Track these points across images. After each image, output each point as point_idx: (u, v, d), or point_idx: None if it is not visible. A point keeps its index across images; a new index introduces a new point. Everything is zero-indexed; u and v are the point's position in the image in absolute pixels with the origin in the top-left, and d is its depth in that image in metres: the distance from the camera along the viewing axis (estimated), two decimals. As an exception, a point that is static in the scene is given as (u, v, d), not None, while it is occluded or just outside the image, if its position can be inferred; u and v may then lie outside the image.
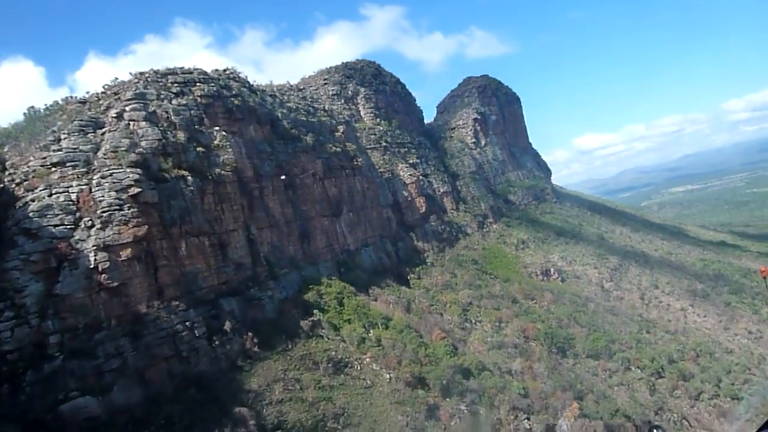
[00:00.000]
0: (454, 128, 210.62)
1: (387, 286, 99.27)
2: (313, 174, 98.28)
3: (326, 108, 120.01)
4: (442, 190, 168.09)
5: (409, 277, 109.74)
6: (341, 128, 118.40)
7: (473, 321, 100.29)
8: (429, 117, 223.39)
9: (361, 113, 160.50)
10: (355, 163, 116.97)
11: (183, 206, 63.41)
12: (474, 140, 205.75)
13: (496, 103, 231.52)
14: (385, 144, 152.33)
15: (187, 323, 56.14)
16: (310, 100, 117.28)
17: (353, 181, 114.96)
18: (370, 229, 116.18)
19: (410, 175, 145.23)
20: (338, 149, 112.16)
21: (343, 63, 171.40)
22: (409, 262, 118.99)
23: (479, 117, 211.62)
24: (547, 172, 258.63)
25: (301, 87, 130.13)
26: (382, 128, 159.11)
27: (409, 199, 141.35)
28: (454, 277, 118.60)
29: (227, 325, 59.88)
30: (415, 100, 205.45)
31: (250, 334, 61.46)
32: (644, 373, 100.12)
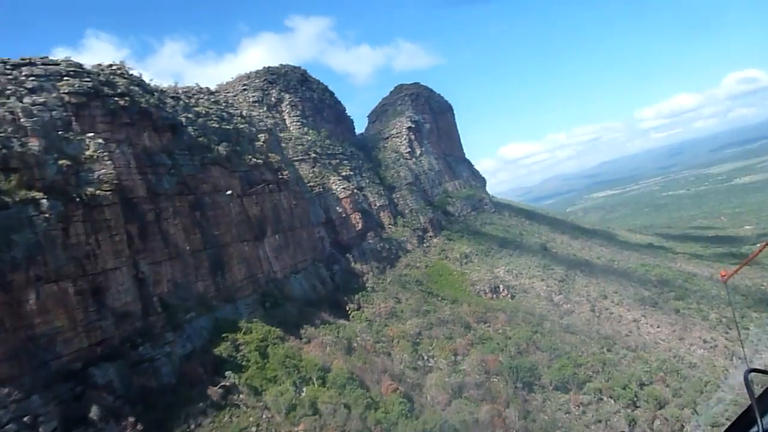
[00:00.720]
0: (388, 138, 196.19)
1: (323, 323, 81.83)
2: (228, 191, 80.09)
3: (245, 114, 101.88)
4: (378, 204, 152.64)
5: (348, 307, 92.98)
6: (263, 137, 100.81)
7: (426, 357, 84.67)
8: (360, 129, 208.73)
9: (287, 122, 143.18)
10: (281, 176, 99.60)
11: (32, 241, 44.24)
12: (409, 150, 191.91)
13: (429, 112, 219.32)
14: (314, 155, 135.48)
15: (25, 418, 37.06)
16: (224, 105, 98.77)
17: (279, 197, 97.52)
18: (301, 252, 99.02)
19: (344, 188, 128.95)
20: (260, 161, 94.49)
21: (265, 68, 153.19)
22: (347, 287, 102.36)
23: (413, 125, 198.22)
24: (482, 181, 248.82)
25: (215, 91, 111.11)
26: (310, 138, 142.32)
27: (344, 215, 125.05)
28: (398, 303, 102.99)
29: (94, 412, 40.79)
30: (345, 109, 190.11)
31: (131, 419, 42.59)
32: (618, 404, 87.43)
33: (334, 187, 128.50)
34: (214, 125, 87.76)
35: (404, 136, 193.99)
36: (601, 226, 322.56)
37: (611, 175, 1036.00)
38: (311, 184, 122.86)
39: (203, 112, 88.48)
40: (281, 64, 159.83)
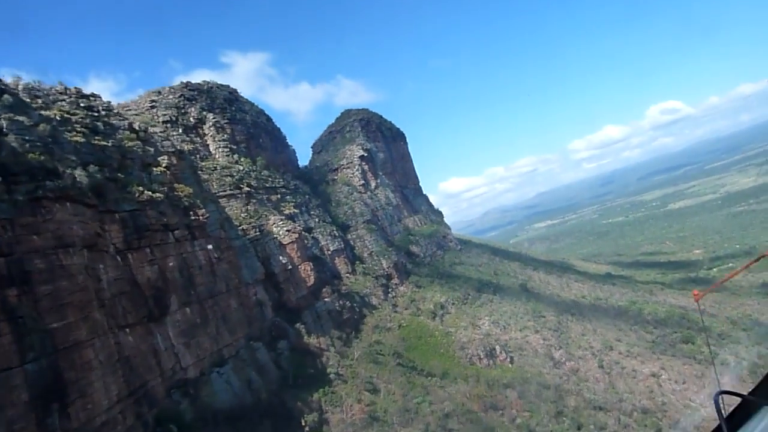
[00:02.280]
0: (337, 169, 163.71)
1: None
2: (87, 246, 44.94)
3: (138, 128, 67.10)
4: (332, 249, 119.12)
5: (304, 419, 57.66)
6: (165, 161, 66.17)
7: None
8: (303, 161, 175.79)
9: (210, 147, 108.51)
10: (195, 217, 64.98)
11: None
12: (363, 182, 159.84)
13: (381, 139, 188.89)
14: (248, 189, 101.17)
15: None
16: (104, 113, 63.72)
17: (190, 249, 62.72)
18: (227, 330, 63.90)
19: (289, 230, 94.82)
20: (158, 196, 59.80)
21: (182, 83, 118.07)
22: (300, 378, 67.31)
23: (366, 155, 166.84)
24: (440, 215, 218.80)
25: (93, 96, 74.01)
26: (242, 167, 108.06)
27: (290, 267, 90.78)
28: (376, 395, 68.90)
29: None
30: (285, 137, 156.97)
31: None
32: None
33: (275, 229, 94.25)
34: (74, 138, 52.75)
35: (356, 167, 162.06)
36: (553, 257, 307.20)
37: (549, 206, 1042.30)
38: (244, 226, 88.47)
39: (57, 117, 53.37)
40: (204, 81, 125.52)
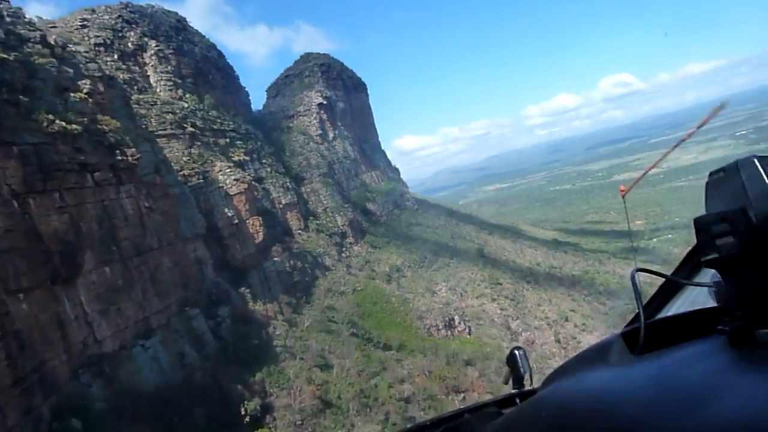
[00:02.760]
0: (293, 116, 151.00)
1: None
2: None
3: (56, 42, 54.17)
4: (284, 202, 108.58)
5: (244, 405, 48.23)
6: (87, 86, 53.68)
7: None
8: (257, 106, 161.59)
9: (151, 79, 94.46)
10: (122, 158, 53.34)
11: None
12: (320, 132, 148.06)
13: (342, 88, 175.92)
14: (192, 129, 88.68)
15: None
16: (8, 19, 50.51)
17: (115, 196, 51.45)
18: (157, 294, 53.57)
19: (237, 180, 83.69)
20: (75, 128, 47.91)
21: (121, 2, 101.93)
22: (241, 352, 57.76)
23: (325, 103, 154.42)
24: (397, 172, 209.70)
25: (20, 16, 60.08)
26: (187, 105, 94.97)
27: (236, 221, 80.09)
28: (327, 372, 60.38)
29: None
30: (238, 77, 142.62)
31: None
32: None
33: (221, 177, 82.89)
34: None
35: (314, 115, 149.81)
36: (503, 221, 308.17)
37: (500, 169, 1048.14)
38: (185, 172, 76.80)
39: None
40: (148, 4, 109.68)
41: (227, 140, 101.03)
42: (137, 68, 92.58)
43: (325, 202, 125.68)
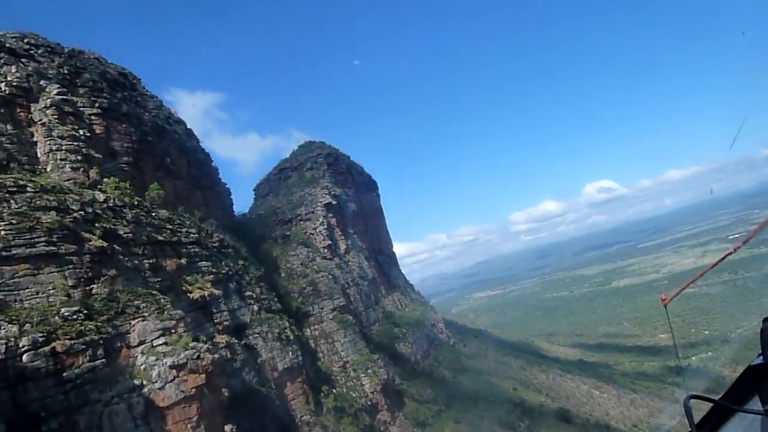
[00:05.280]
0: (291, 221, 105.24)
1: None
2: None
3: None
4: (281, 367, 59.50)
5: None
6: None
7: None
8: (241, 208, 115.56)
9: (39, 148, 48.30)
10: None
11: None
12: (329, 243, 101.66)
13: (352, 185, 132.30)
14: (101, 245, 41.42)
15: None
16: None
17: None
18: None
19: (184, 362, 35.11)
20: None
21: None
22: None
23: (334, 203, 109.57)
24: (412, 287, 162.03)
25: None
26: (104, 198, 48.08)
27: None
28: None
29: None
30: (216, 168, 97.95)
31: None
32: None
33: (143, 356, 34.66)
34: None
35: (320, 219, 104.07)
36: (511, 335, 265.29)
37: (488, 275, 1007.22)
38: (59, 348, 28.62)
39: None
40: (72, 48, 65.83)
41: (183, 261, 53.53)
42: (15, 129, 46.69)
43: (343, 353, 76.72)
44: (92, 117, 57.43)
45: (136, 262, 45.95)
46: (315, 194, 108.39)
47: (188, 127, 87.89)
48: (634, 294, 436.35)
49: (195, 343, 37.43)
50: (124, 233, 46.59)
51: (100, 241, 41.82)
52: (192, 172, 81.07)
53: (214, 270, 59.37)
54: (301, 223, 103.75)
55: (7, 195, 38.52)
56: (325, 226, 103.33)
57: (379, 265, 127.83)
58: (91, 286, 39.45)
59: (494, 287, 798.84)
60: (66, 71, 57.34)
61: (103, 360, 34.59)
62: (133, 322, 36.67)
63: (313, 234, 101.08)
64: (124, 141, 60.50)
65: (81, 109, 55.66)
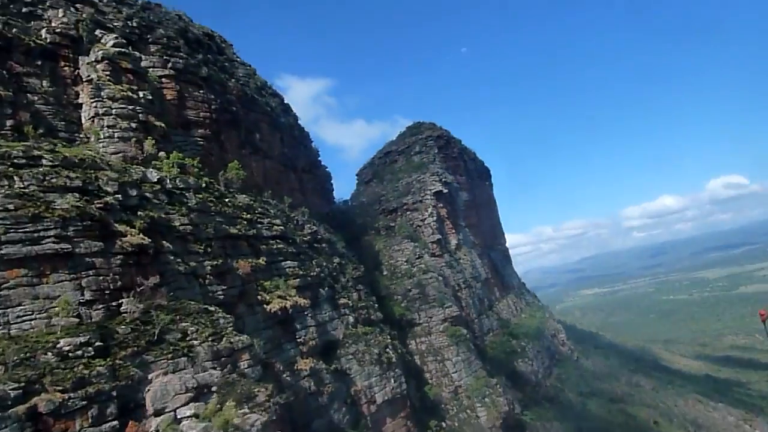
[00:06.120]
0: (396, 210, 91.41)
1: None
2: None
3: None
4: (380, 398, 45.10)
5: None
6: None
7: None
8: (342, 194, 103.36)
9: (84, 113, 37.31)
10: None
11: None
12: (438, 237, 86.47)
13: (464, 173, 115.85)
14: (141, 242, 29.25)
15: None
16: None
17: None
18: None
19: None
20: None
21: None
22: None
23: (445, 191, 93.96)
24: (529, 291, 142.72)
25: None
26: (159, 177, 36.23)
27: None
28: None
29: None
30: (317, 152, 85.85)
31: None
32: None
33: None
34: None
35: (429, 210, 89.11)
36: (625, 339, 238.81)
37: (595, 271, 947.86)
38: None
39: None
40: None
41: (261, 261, 40.95)
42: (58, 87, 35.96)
43: (455, 375, 61.64)
44: (162, 79, 46.17)
45: (194, 264, 33.45)
46: (424, 181, 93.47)
47: (275, 90, 75.80)
48: (765, 302, 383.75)
49: (242, 414, 23.65)
50: (181, 225, 34.28)
51: (140, 236, 29.52)
52: (286, 151, 69.10)
53: (301, 272, 46.31)
54: (408, 213, 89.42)
55: (11, 170, 27.03)
56: (435, 218, 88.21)
57: (492, 263, 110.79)
58: (120, 300, 27.20)
59: (602, 285, 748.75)
60: (135, 24, 46.36)
61: (115, 424, 22.05)
62: (150, 375, 23.56)
63: (420, 226, 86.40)
64: (201, 110, 48.86)
65: (147, 68, 44.37)
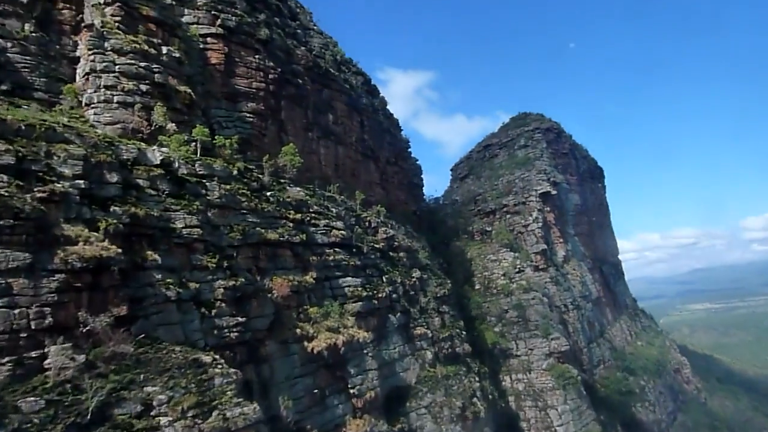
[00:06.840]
0: (494, 212, 77.33)
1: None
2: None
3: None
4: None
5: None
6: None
7: None
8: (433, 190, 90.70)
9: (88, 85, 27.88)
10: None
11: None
12: (542, 247, 71.35)
13: (575, 172, 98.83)
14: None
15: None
16: None
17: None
18: None
19: None
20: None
21: None
22: None
23: (553, 192, 78.33)
24: (644, 313, 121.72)
25: None
26: (171, 154, 26.04)
27: None
28: None
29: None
30: (408, 141, 73.72)
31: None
32: None
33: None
34: None
35: (534, 213, 74.20)
36: (745, 367, 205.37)
37: (706, 285, 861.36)
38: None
39: None
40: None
41: (308, 278, 29.73)
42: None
43: (559, 430, 47.12)
44: (207, 38, 36.04)
45: (196, 285, 22.62)
46: (529, 179, 78.42)
47: (364, 73, 64.29)
48: None
49: None
50: (186, 227, 23.57)
51: (104, 243, 19.02)
52: (366, 138, 57.59)
53: (366, 292, 34.53)
54: (508, 216, 75.06)
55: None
56: (540, 224, 73.13)
57: (604, 279, 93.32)
58: (45, 349, 16.75)
59: (714, 300, 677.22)
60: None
61: None
62: None
63: (522, 233, 71.81)
64: (255, 79, 38.35)
65: (189, 24, 34.45)
